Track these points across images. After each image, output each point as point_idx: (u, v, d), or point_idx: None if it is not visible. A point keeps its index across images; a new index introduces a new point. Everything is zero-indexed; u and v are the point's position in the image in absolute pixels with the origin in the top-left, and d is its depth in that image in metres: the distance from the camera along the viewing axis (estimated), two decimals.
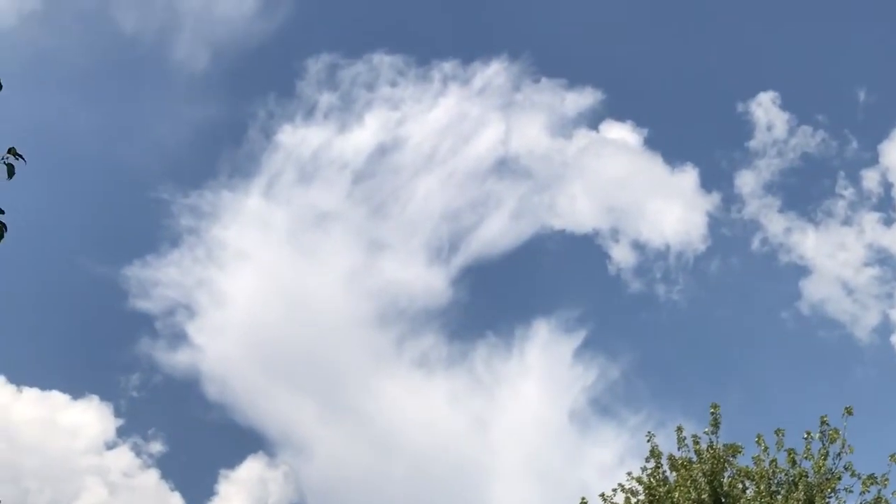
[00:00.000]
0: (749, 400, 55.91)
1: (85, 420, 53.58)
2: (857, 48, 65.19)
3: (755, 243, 57.50)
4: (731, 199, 57.99)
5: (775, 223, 56.89)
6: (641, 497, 21.92)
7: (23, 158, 8.01)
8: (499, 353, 57.08)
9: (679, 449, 22.04)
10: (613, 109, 60.44)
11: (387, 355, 57.27)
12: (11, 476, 50.38)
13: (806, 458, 21.14)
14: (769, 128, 57.37)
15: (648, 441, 22.43)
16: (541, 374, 56.14)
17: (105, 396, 55.84)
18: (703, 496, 21.01)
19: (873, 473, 20.87)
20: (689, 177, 58.67)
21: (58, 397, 54.16)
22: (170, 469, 54.39)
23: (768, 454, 21.40)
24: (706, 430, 22.01)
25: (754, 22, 66.37)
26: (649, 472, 22.11)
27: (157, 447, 54.02)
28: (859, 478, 20.88)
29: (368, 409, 56.54)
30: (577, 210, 58.06)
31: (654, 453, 22.21)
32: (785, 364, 60.56)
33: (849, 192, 56.68)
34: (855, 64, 64.21)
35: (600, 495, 22.40)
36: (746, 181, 57.69)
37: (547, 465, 52.66)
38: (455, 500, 52.91)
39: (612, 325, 62.54)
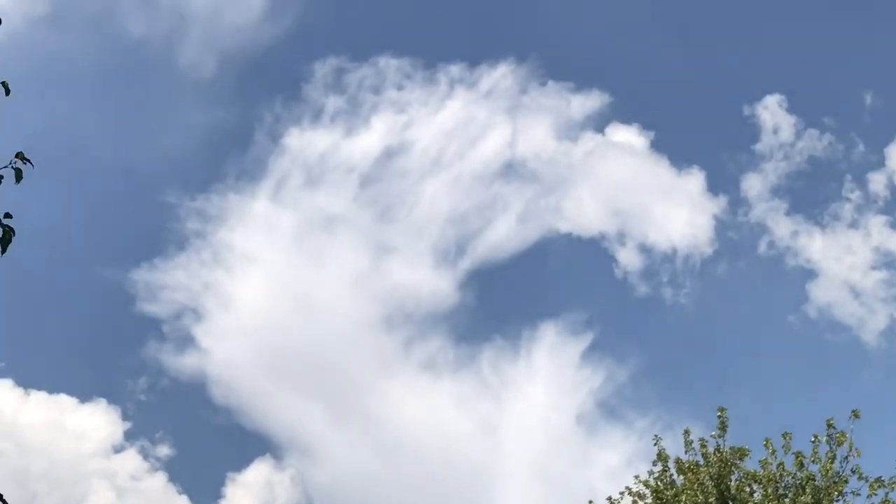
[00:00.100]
0: (756, 403, 55.80)
1: (92, 423, 53.69)
2: (863, 51, 65.18)
3: (762, 246, 57.44)
4: (737, 203, 57.95)
5: (782, 226, 56.83)
6: (649, 500, 21.91)
7: (30, 163, 8.03)
8: (506, 356, 57.10)
9: (686, 452, 22.04)
10: (620, 112, 60.50)
11: (394, 358, 57.31)
12: (19, 479, 50.48)
13: (813, 461, 21.13)
14: (776, 131, 57.34)
15: (655, 444, 22.43)
16: (548, 377, 56.14)
17: (113, 400, 55.99)
18: (710, 499, 21.00)
19: (881, 476, 20.87)
20: (695, 180, 58.64)
21: (65, 400, 54.30)
22: (177, 472, 54.45)
23: (776, 457, 21.39)
24: (713, 433, 22.02)
25: (760, 25, 66.36)
26: (656, 475, 22.10)
27: (164, 450, 54.10)
28: (867, 481, 20.87)
29: (375, 412, 56.60)
30: (583, 213, 58.06)
31: (662, 456, 22.20)
32: (792, 367, 60.49)
33: (855, 196, 56.60)
34: (861, 67, 64.21)
35: (607, 499, 22.40)
36: (753, 184, 57.64)
37: (554, 468, 52.66)
38: (462, 503, 52.96)
39: (619, 328, 62.57)
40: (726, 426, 21.99)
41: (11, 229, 7.89)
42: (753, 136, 58.45)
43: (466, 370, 56.94)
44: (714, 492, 21.04)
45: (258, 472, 53.87)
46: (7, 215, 7.89)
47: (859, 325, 55.19)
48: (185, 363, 55.85)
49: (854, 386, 56.38)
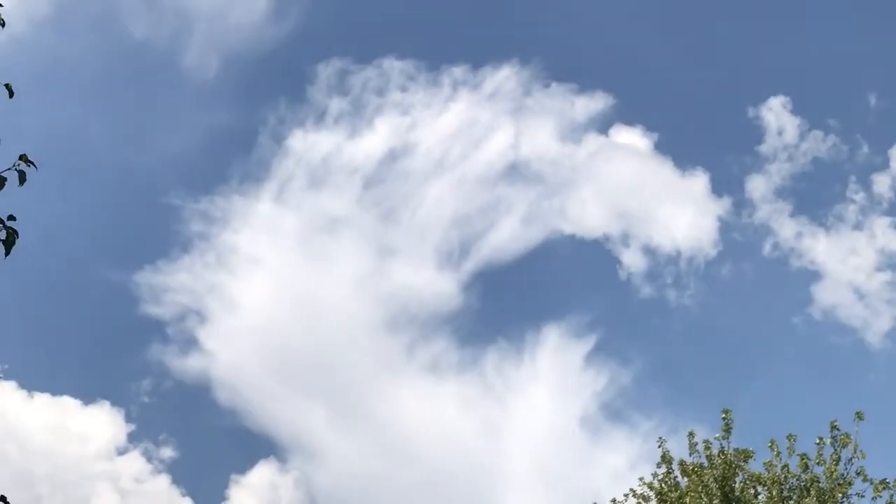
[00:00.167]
0: (760, 405, 55.75)
1: (96, 425, 53.70)
2: (867, 52, 65.13)
3: (766, 248, 57.40)
4: (741, 204, 57.90)
5: (786, 228, 56.78)
6: (653, 502, 21.89)
7: (34, 165, 8.02)
8: (509, 358, 57.07)
9: (691, 454, 22.02)
10: (623, 114, 60.50)
11: (397, 360, 57.31)
12: (23, 481, 50.49)
13: (818, 463, 21.10)
14: (780, 132, 57.29)
15: (660, 446, 22.42)
16: (552, 379, 56.11)
17: (116, 402, 55.96)
18: (714, 502, 20.97)
19: (885, 479, 20.84)
20: (699, 181, 58.60)
21: (69, 403, 54.33)
22: (181, 474, 54.48)
23: (780, 459, 21.37)
24: (717, 435, 22.00)
25: (765, 26, 66.33)
26: (661, 477, 22.09)
27: (167, 452, 54.12)
28: (871, 483, 20.85)
29: (379, 415, 56.58)
30: (587, 215, 58.04)
31: (666, 459, 22.19)
32: (796, 369, 60.44)
33: (860, 197, 56.54)
34: (866, 68, 64.14)
35: (611, 501, 22.39)
36: (757, 186, 57.59)
37: (558, 470, 52.62)
38: None
39: (622, 330, 62.51)
40: (731, 428, 21.98)
41: (15, 231, 7.88)
42: (757, 138, 58.45)
43: (470, 372, 56.98)
44: (718, 494, 21.01)
45: (262, 474, 53.91)
46: (10, 217, 7.88)
47: (864, 327, 55.18)
48: (188, 365, 55.91)
49: (859, 388, 56.36)
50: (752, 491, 21.19)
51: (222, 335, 57.04)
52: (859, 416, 21.38)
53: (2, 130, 8.15)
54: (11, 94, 8.26)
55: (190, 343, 56.11)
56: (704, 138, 66.37)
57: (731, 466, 21.31)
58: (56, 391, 55.80)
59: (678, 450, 22.33)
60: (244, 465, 59.67)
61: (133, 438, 53.93)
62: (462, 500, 52.74)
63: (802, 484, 20.95)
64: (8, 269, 7.95)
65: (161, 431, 57.25)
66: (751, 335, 61.61)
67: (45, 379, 61.04)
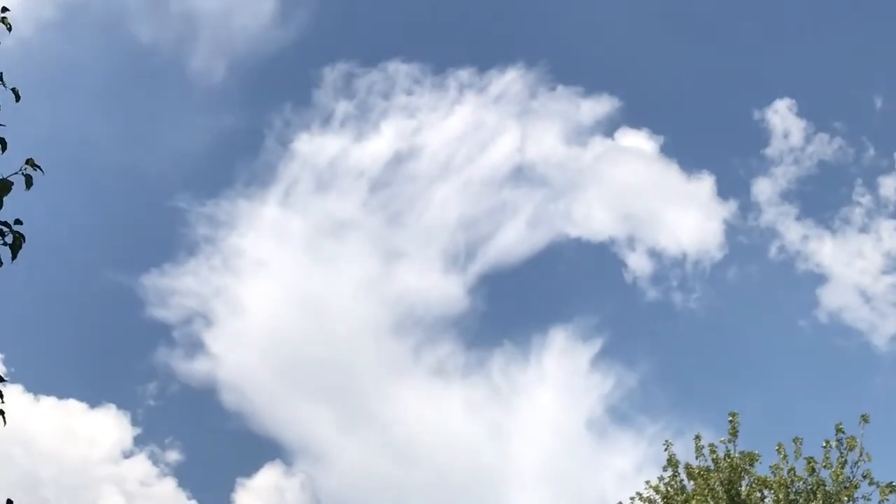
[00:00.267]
0: (767, 408, 55.72)
1: (102, 429, 53.75)
2: (873, 55, 65.07)
3: (772, 251, 57.32)
4: (747, 207, 57.82)
5: (792, 231, 56.71)
6: None
7: (41, 169, 8.05)
8: (516, 361, 57.06)
9: (697, 458, 22.02)
10: (629, 117, 60.39)
11: (404, 363, 57.31)
12: (29, 485, 50.56)
13: (825, 466, 21.09)
14: (786, 135, 57.22)
15: (666, 450, 22.41)
16: (558, 382, 56.08)
17: (122, 405, 56.13)
18: None
19: (892, 482, 20.82)
20: (705, 184, 58.53)
21: (75, 406, 54.36)
22: (187, 478, 54.50)
23: (787, 462, 21.36)
24: (722, 439, 21.99)
25: (770, 29, 66.31)
26: (667, 481, 22.08)
27: (174, 456, 54.15)
28: (878, 486, 20.83)
29: (385, 418, 56.59)
30: (593, 218, 58.00)
31: (672, 462, 22.18)
32: (802, 372, 60.36)
33: (866, 200, 56.45)
34: (871, 71, 64.07)
35: None
36: (763, 189, 57.53)
37: (564, 473, 52.61)
38: None
39: (628, 333, 62.45)
40: (737, 431, 21.97)
41: (22, 235, 7.90)
42: (763, 141, 58.37)
43: (476, 375, 56.96)
44: (724, 497, 21.00)
45: (268, 477, 53.93)
46: (17, 221, 7.90)
47: (870, 330, 55.08)
48: (194, 368, 55.94)
49: (865, 391, 56.23)
50: (759, 494, 21.17)
51: (228, 338, 57.14)
52: (865, 418, 21.39)
53: (8, 135, 8.18)
54: (18, 99, 8.28)
55: (196, 346, 56.19)
56: (710, 141, 66.35)
57: (737, 470, 21.30)
58: (62, 394, 55.99)
59: (684, 453, 22.35)
60: (250, 469, 59.64)
61: (139, 442, 54.03)
62: (468, 502, 52.78)
63: (809, 487, 20.94)
64: (15, 273, 7.97)
65: (167, 435, 57.24)
66: (757, 338, 61.58)
67: (52, 382, 61.26)
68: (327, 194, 59.54)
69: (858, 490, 20.79)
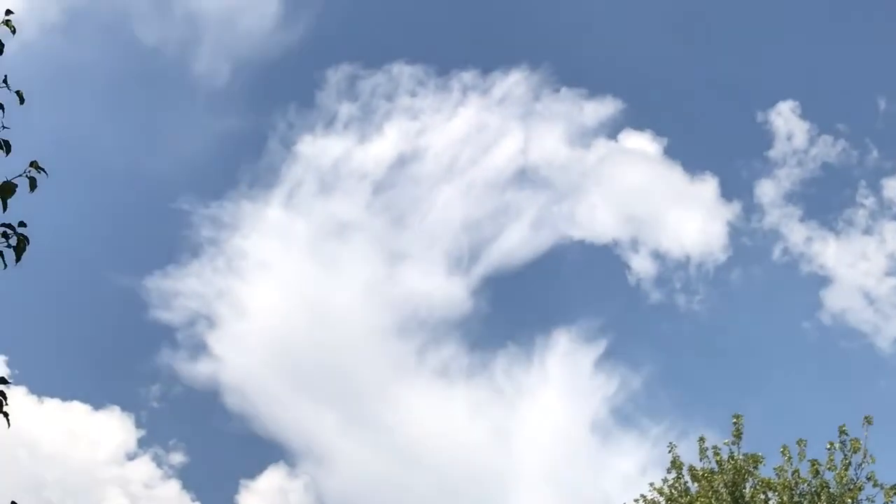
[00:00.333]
0: (770, 410, 55.69)
1: (106, 431, 53.80)
2: (877, 57, 65.02)
3: (776, 253, 57.27)
4: (751, 209, 57.78)
5: (796, 233, 56.66)
6: None
7: (45, 171, 8.06)
8: (519, 363, 57.06)
9: (701, 460, 22.02)
10: (633, 119, 60.37)
11: (407, 365, 57.32)
12: (33, 487, 50.60)
13: (829, 468, 21.08)
14: (789, 137, 57.20)
15: (670, 452, 22.42)
16: (562, 384, 56.07)
17: (126, 407, 56.07)
18: None
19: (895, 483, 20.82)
20: (708, 186, 58.50)
21: (79, 408, 54.40)
22: (191, 480, 54.56)
23: (791, 464, 21.35)
24: (726, 441, 22.01)
25: (774, 31, 66.28)
26: (671, 482, 22.08)
27: (177, 458, 54.17)
28: (881, 488, 20.82)
29: (389, 420, 56.60)
30: (596, 220, 57.99)
31: (676, 464, 22.18)
32: (806, 374, 60.33)
33: (869, 202, 56.41)
34: (875, 73, 64.01)
35: None
36: (767, 191, 57.49)
37: (568, 475, 52.59)
38: None
39: (632, 335, 62.39)
40: (741, 433, 21.97)
41: (26, 238, 7.91)
42: (767, 143, 58.35)
43: (480, 377, 56.96)
44: (728, 499, 21.00)
45: (272, 479, 53.95)
46: (21, 224, 7.92)
47: (874, 332, 55.03)
48: (198, 370, 55.96)
49: (868, 392, 56.18)
50: (763, 496, 21.17)
51: (232, 340, 57.17)
52: (868, 420, 21.39)
53: (13, 137, 8.19)
54: (22, 101, 8.30)
55: (199, 348, 56.22)
56: (714, 143, 66.34)
57: (741, 472, 21.30)
58: (66, 396, 55.99)
59: (688, 455, 22.35)
60: (254, 470, 59.55)
61: (143, 444, 54.06)
62: None
63: (813, 489, 20.94)
64: (18, 275, 7.98)
65: (171, 437, 57.19)
66: (760, 340, 61.54)
67: (55, 384, 61.36)
68: (331, 196, 59.61)
69: (862, 492, 20.80)
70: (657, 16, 66.89)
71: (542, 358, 56.44)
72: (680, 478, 22.02)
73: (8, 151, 8.12)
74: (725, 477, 21.28)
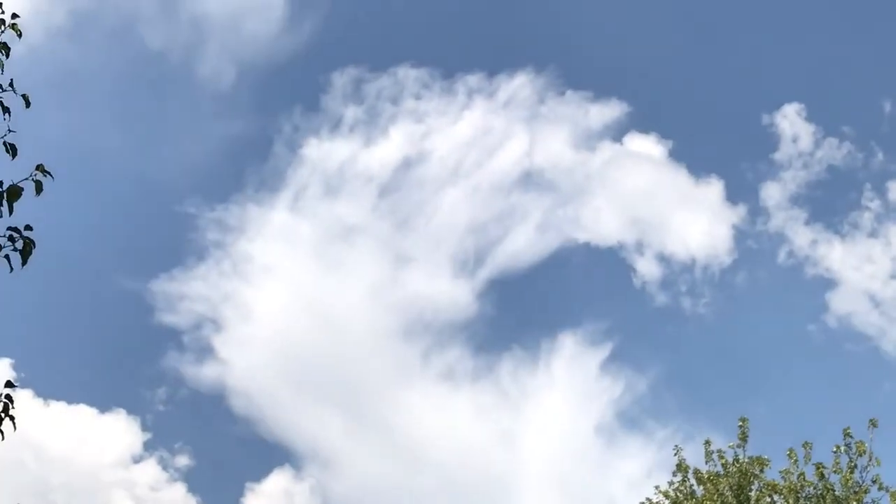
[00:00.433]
0: (776, 413, 55.55)
1: (112, 434, 53.83)
2: (882, 59, 64.95)
3: (781, 256, 57.17)
4: (756, 212, 57.69)
5: (801, 235, 56.57)
6: None
7: (50, 175, 8.09)
8: (525, 366, 57.01)
9: (707, 463, 22.01)
10: (638, 121, 60.30)
11: (412, 368, 57.31)
12: (39, 490, 50.67)
13: (835, 471, 21.07)
14: (794, 140, 57.13)
15: (675, 455, 22.40)
16: (567, 386, 56.03)
17: (132, 410, 56.07)
18: None
19: None
20: (714, 189, 58.42)
21: (85, 411, 54.39)
22: (196, 483, 54.51)
23: (797, 467, 21.34)
24: (731, 444, 21.99)
25: (779, 33, 66.27)
26: (676, 486, 22.07)
27: (183, 461, 54.16)
28: (887, 490, 20.80)
29: (394, 422, 56.59)
30: (601, 222, 57.94)
31: (682, 467, 22.17)
32: (812, 377, 60.24)
33: (875, 204, 56.30)
34: (881, 75, 63.93)
35: None
36: (772, 193, 57.41)
37: (574, 478, 52.57)
38: None
39: (638, 337, 62.29)
40: (747, 436, 21.97)
41: (32, 241, 7.95)
42: (772, 145, 58.27)
43: (485, 380, 56.93)
44: (734, 502, 20.99)
45: (277, 482, 53.95)
46: (27, 227, 7.95)
47: (879, 335, 54.92)
48: (204, 373, 55.98)
49: (874, 395, 56.06)
50: (769, 500, 21.16)
51: (238, 343, 57.19)
52: (873, 423, 21.37)
53: (19, 140, 8.22)
54: (28, 105, 8.33)
55: (205, 351, 56.23)
56: (719, 146, 66.26)
57: (746, 475, 21.28)
58: (72, 399, 55.93)
59: (694, 458, 22.34)
60: (259, 473, 59.56)
61: (149, 447, 54.05)
62: None
63: (818, 492, 20.92)
64: (24, 278, 8.01)
65: (177, 440, 57.15)
66: (766, 343, 61.44)
67: (61, 387, 61.32)
68: (336, 199, 59.65)
69: (868, 495, 20.78)
70: (662, 18, 66.95)
71: (547, 361, 56.46)
72: (685, 481, 22.00)
73: (14, 155, 8.15)
74: (731, 480, 21.26)
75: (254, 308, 58.27)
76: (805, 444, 21.55)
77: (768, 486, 21.22)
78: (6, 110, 8.23)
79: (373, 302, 59.14)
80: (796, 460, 21.42)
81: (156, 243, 65.01)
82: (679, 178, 58.76)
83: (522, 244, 58.62)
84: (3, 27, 8.39)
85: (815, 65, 65.95)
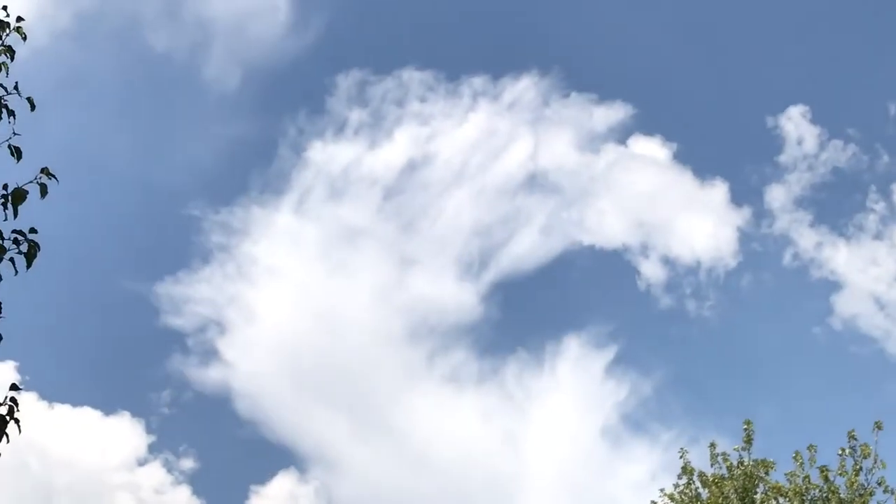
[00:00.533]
0: (781, 415, 55.51)
1: (116, 436, 53.85)
2: (887, 62, 64.87)
3: (786, 258, 57.12)
4: (761, 214, 57.64)
5: (806, 238, 56.52)
6: None
7: (55, 178, 8.10)
8: (530, 368, 57.00)
9: (712, 465, 21.98)
10: (642, 124, 60.29)
11: (417, 371, 57.31)
12: (43, 493, 50.70)
13: (840, 474, 21.04)
14: (799, 142, 57.08)
15: (681, 457, 22.38)
16: (572, 389, 56.00)
17: (136, 413, 55.99)
18: None
19: None
20: (718, 191, 58.39)
21: (89, 413, 54.40)
22: (201, 485, 54.49)
23: (803, 470, 21.32)
24: (735, 447, 21.99)
25: (784, 36, 66.22)
26: (681, 488, 22.04)
27: (188, 463, 54.17)
28: (892, 493, 20.77)
29: (399, 425, 56.60)
30: (606, 225, 57.92)
31: (687, 470, 22.15)
32: (817, 379, 60.14)
33: (880, 207, 56.22)
34: (885, 78, 63.85)
35: None
36: (777, 196, 57.36)
37: (579, 481, 52.53)
38: None
39: (643, 340, 62.26)
40: (752, 439, 21.94)
41: (36, 244, 7.95)
42: (777, 148, 58.21)
43: (490, 383, 56.92)
44: None
45: (282, 485, 53.93)
46: (32, 230, 7.95)
47: (885, 337, 54.86)
48: (209, 376, 56.01)
49: (879, 398, 55.97)
50: (774, 502, 21.13)
51: (242, 346, 57.22)
52: (878, 425, 21.33)
53: (24, 143, 8.23)
54: (33, 108, 8.34)
55: (210, 354, 56.26)
56: (724, 148, 66.22)
57: (751, 478, 21.26)
58: (76, 402, 55.96)
59: (699, 461, 22.31)
60: (264, 476, 59.59)
61: (153, 449, 54.06)
62: None
63: (824, 495, 20.89)
64: (29, 281, 8.02)
65: (181, 442, 57.31)
66: (771, 345, 61.36)
67: (66, 390, 61.25)
68: (341, 202, 59.68)
69: (873, 497, 20.74)
70: (667, 21, 66.93)
71: (552, 364, 56.45)
72: (691, 484, 21.98)
73: (19, 158, 8.16)
74: (736, 483, 21.24)
75: (258, 311, 58.35)
76: (810, 447, 21.53)
77: (773, 488, 21.20)
78: (11, 113, 8.24)
79: (378, 304, 59.20)
80: (801, 463, 21.39)
81: (160, 246, 65.10)
82: (684, 180, 58.77)
83: (527, 247, 58.64)
84: (8, 30, 8.40)
85: (819, 67, 65.94)
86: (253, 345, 57.91)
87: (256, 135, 64.73)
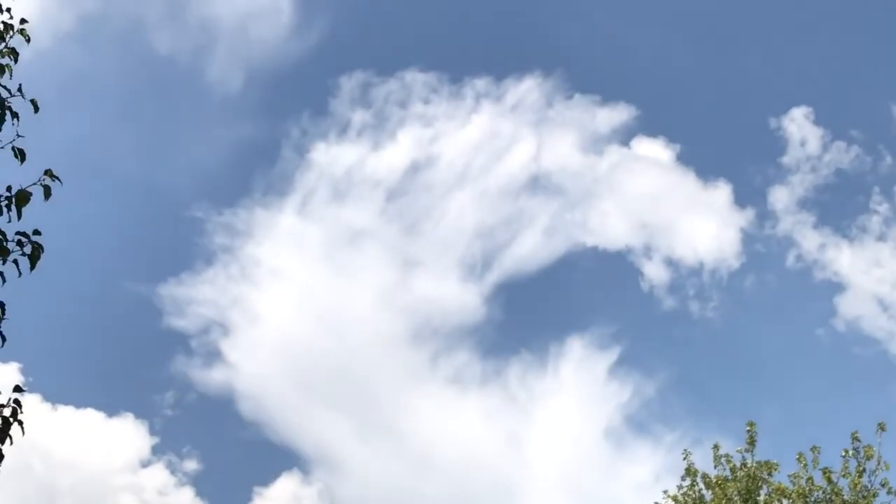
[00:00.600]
0: (784, 417, 55.46)
1: (120, 438, 53.87)
2: (890, 63, 64.85)
3: (789, 259, 57.07)
4: (764, 216, 57.60)
5: (809, 239, 56.47)
6: None
7: (59, 180, 8.11)
8: (533, 370, 56.96)
9: (715, 467, 21.98)
10: (646, 125, 60.24)
11: (421, 372, 57.31)
12: (47, 494, 50.74)
13: (843, 475, 21.03)
14: (803, 143, 57.05)
15: (684, 459, 22.38)
16: (575, 391, 55.98)
17: (140, 414, 56.00)
18: None
19: None
20: (722, 193, 58.36)
21: (93, 415, 54.43)
22: (204, 487, 54.49)
23: (806, 471, 21.32)
24: (739, 448, 21.98)
25: (787, 37, 66.19)
26: (684, 490, 22.04)
27: (191, 465, 54.17)
28: None
29: (403, 426, 56.59)
30: (609, 226, 57.90)
31: (690, 471, 22.14)
32: (820, 381, 60.06)
33: (883, 208, 56.18)
34: (889, 79, 63.80)
35: None
36: (780, 197, 57.32)
37: (582, 482, 52.51)
38: None
39: (646, 341, 62.19)
40: (755, 440, 21.94)
41: (40, 246, 7.97)
42: (780, 149, 58.18)
43: (493, 384, 56.91)
44: None
45: (285, 486, 53.93)
46: (36, 232, 7.97)
47: (888, 339, 54.80)
48: (212, 378, 56.01)
49: (883, 399, 55.90)
50: None
51: (246, 347, 57.23)
52: (882, 427, 21.32)
53: (27, 145, 8.24)
54: (37, 110, 8.36)
55: (213, 355, 56.27)
56: (727, 149, 66.15)
57: (755, 479, 21.26)
58: (80, 403, 55.93)
59: (702, 462, 22.30)
60: (267, 478, 59.55)
61: (157, 451, 54.06)
62: None
63: (827, 496, 20.88)
64: (32, 283, 8.03)
65: (185, 444, 57.26)
66: (774, 347, 61.30)
67: (69, 391, 61.20)
68: (344, 203, 59.69)
69: (877, 498, 20.74)
70: (670, 22, 66.91)
71: (555, 365, 56.42)
72: (694, 485, 21.98)
73: (23, 160, 8.18)
74: (739, 484, 21.24)
75: (261, 312, 58.37)
76: (813, 448, 21.52)
77: (777, 490, 21.19)
78: (15, 115, 8.25)
79: (381, 306, 59.19)
80: (805, 464, 21.38)
81: (164, 247, 65.12)
82: (687, 181, 58.74)
83: (530, 248, 58.63)
84: (11, 32, 8.41)
85: (822, 68, 65.90)
86: (256, 346, 57.97)
87: (260, 136, 64.76)
